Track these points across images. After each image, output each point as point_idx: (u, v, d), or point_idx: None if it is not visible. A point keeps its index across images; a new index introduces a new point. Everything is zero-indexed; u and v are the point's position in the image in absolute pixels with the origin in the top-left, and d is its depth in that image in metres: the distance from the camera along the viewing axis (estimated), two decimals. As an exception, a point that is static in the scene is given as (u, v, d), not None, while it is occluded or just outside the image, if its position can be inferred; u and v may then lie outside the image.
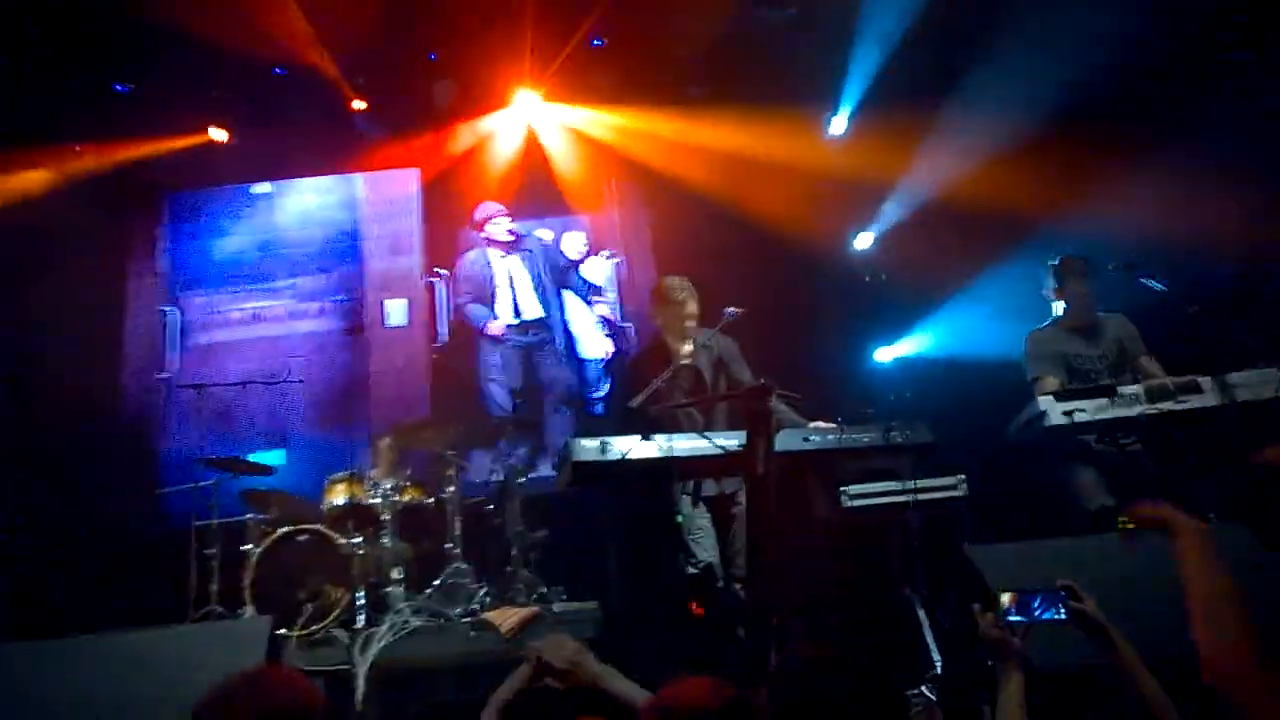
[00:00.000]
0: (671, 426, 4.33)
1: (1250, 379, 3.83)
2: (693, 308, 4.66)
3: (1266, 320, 4.23)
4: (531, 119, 7.29)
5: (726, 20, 6.74)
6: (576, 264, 7.25)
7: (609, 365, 7.03)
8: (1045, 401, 3.96)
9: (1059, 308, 4.60)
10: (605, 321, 7.15)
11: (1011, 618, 2.06)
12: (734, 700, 1.60)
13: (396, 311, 7.10)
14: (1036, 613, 2.05)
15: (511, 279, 6.89)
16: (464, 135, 7.30)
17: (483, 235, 6.96)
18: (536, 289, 6.93)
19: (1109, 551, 3.18)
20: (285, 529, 4.75)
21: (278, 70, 6.78)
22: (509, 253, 6.94)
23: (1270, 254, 4.75)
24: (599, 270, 7.29)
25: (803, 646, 1.99)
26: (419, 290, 7.17)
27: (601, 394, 6.94)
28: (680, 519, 4.35)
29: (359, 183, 7.48)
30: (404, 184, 7.48)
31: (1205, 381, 3.86)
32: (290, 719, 1.68)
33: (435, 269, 7.21)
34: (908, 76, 6.54)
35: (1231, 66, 5.33)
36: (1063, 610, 2.03)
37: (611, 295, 7.21)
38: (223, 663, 2.98)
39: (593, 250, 7.32)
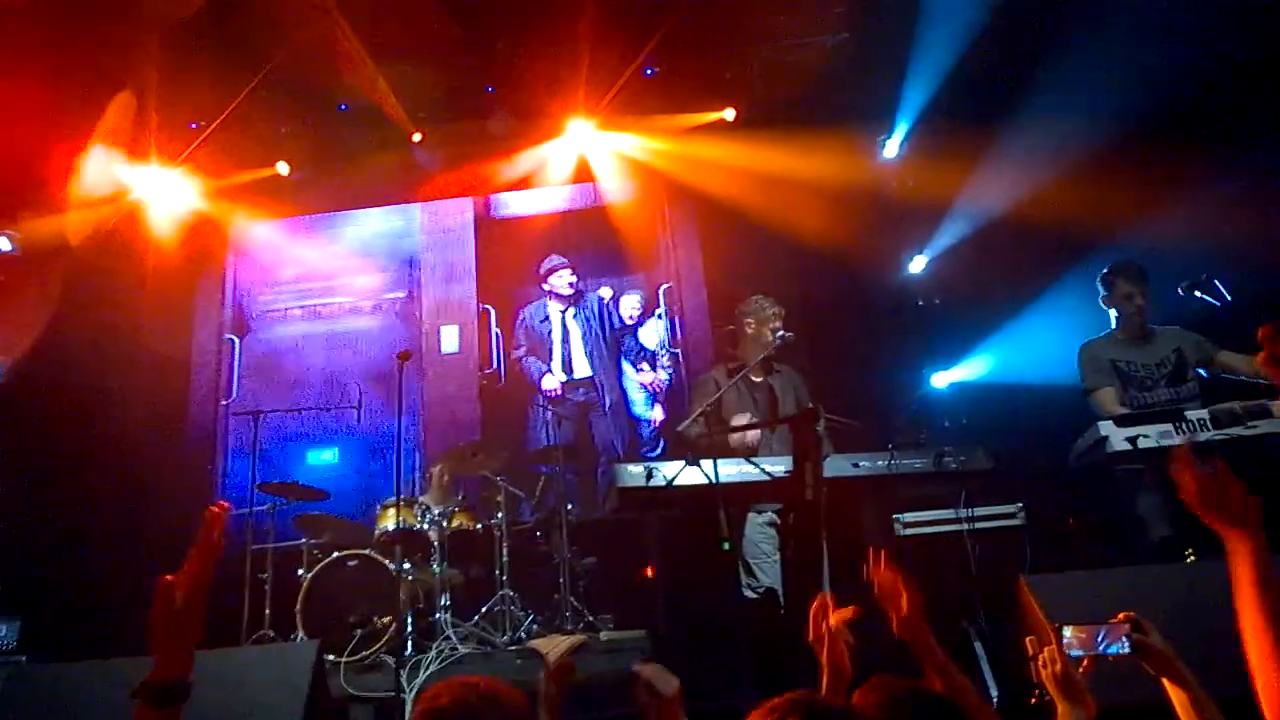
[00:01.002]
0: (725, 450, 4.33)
1: None
2: (770, 315, 4.78)
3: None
4: (584, 147, 7.37)
5: (779, 44, 6.77)
6: (633, 328, 7.14)
7: (663, 427, 6.90)
8: (1107, 427, 3.79)
9: (1113, 316, 4.50)
10: (651, 394, 6.99)
11: (1074, 652, 1.97)
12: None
13: (450, 338, 7.22)
14: (1100, 647, 1.95)
15: (567, 334, 6.86)
16: (519, 164, 7.45)
17: (545, 287, 6.97)
18: (587, 347, 6.86)
19: (1173, 582, 3.01)
20: (336, 554, 4.82)
21: (342, 106, 7.05)
22: (568, 307, 6.93)
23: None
24: (653, 334, 7.19)
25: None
26: (472, 317, 7.29)
27: (656, 455, 6.71)
28: (726, 545, 4.29)
29: (416, 212, 7.67)
30: (459, 213, 7.65)
31: (1275, 405, 3.67)
32: None
33: (483, 304, 7.33)
34: (961, 98, 6.46)
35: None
36: (1127, 644, 1.93)
37: (665, 359, 7.06)
38: (268, 686, 3.03)
39: (648, 313, 7.22)
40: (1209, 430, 3.64)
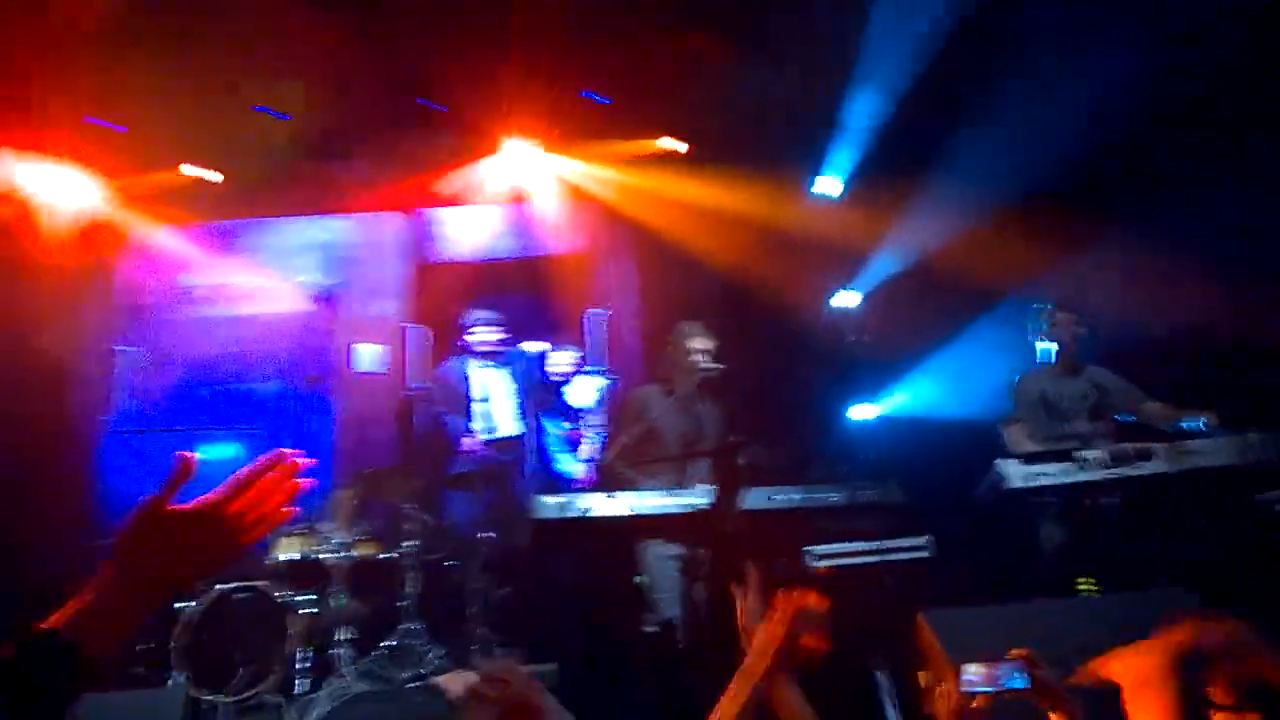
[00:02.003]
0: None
1: (1204, 446, 3.89)
2: (703, 344, 4.81)
3: (1223, 391, 4.24)
4: (521, 168, 7.30)
5: (720, 79, 6.84)
6: (558, 385, 6.57)
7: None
8: (1007, 465, 3.93)
9: (1048, 349, 4.81)
10: (573, 446, 6.41)
11: (973, 688, 1.94)
12: None
13: (368, 357, 7.00)
14: (998, 683, 1.95)
15: (490, 392, 6.28)
16: (452, 181, 7.34)
17: (468, 338, 6.32)
18: (514, 405, 6.29)
19: (1069, 616, 3.08)
20: (222, 586, 4.52)
21: (262, 109, 6.81)
22: (493, 363, 6.30)
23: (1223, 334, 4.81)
24: (586, 392, 6.57)
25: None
26: (394, 336, 7.10)
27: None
28: (639, 580, 4.22)
29: (338, 225, 7.46)
30: (386, 228, 7.48)
31: (1159, 448, 3.90)
32: None
33: (405, 324, 7.06)
34: (890, 147, 6.69)
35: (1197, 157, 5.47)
36: (1023, 680, 1.94)
37: (596, 420, 6.36)
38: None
39: (580, 368, 6.63)
40: (1103, 469, 3.80)
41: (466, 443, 5.97)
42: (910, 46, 6.13)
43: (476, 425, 6.07)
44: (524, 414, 6.31)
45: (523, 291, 7.11)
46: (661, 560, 4.39)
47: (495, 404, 6.21)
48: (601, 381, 6.52)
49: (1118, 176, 5.72)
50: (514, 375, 6.35)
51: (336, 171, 7.11)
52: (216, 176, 6.91)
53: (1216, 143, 5.29)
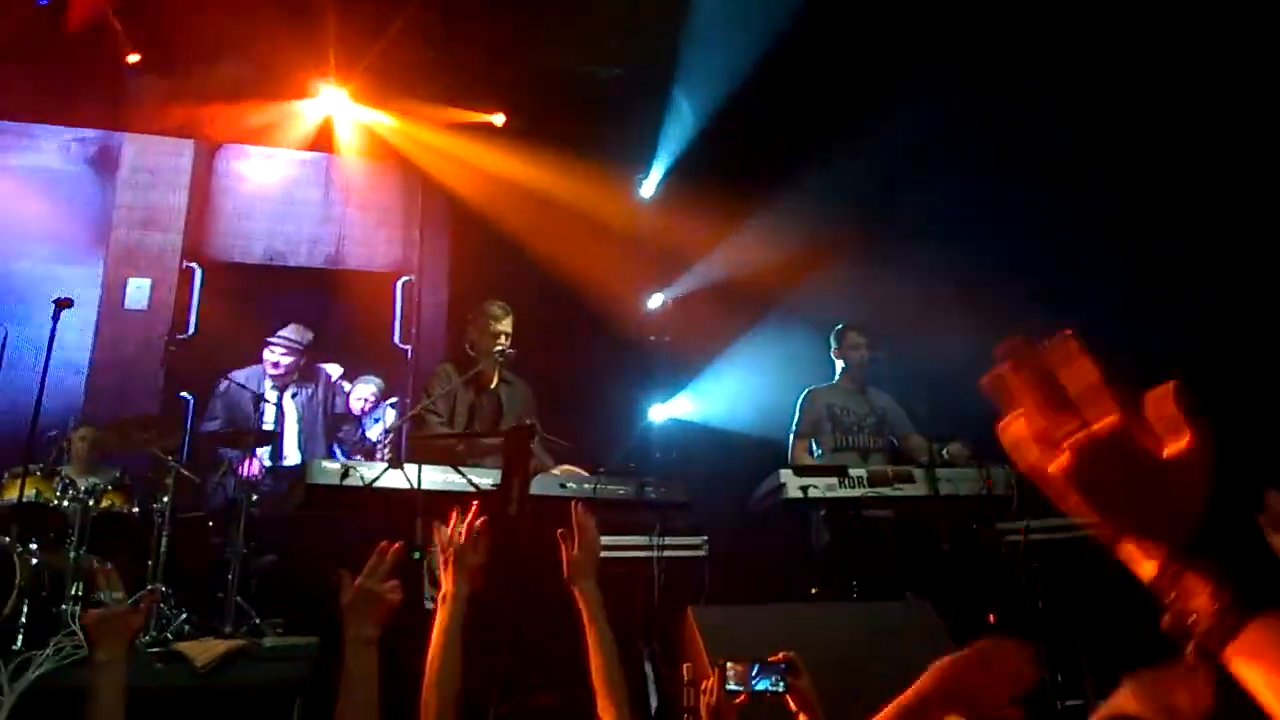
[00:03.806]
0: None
1: (954, 475, 4.33)
2: (506, 325, 4.77)
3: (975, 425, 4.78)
4: (333, 113, 6.89)
5: (557, 60, 6.79)
6: (359, 418, 6.09)
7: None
8: (785, 475, 4.22)
9: (840, 367, 5.19)
10: None
11: (731, 686, 2.04)
12: None
13: (138, 292, 6.32)
14: (755, 683, 2.04)
15: (281, 416, 5.76)
16: (256, 115, 6.77)
17: (262, 356, 5.77)
18: (302, 434, 5.78)
19: (829, 619, 3.36)
20: (-65, 525, 3.95)
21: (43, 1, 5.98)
22: (286, 385, 5.80)
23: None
24: (381, 425, 6.06)
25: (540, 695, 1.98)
26: (171, 273, 6.46)
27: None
28: (416, 555, 4.12)
29: (117, 141, 6.67)
30: (174, 154, 6.77)
31: (918, 473, 4.32)
32: None
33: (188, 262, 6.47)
34: (712, 157, 6.92)
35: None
36: (780, 682, 2.04)
37: (388, 450, 5.65)
38: None
39: (379, 403, 6.13)
40: (865, 487, 4.19)
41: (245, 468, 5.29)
42: (729, 57, 6.38)
43: (260, 450, 5.50)
44: (313, 445, 5.82)
45: (328, 300, 6.65)
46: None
47: (286, 430, 5.74)
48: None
49: (921, 203, 6.17)
50: (307, 400, 5.88)
51: (126, 83, 6.36)
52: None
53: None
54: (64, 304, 4.28)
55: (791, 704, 2.05)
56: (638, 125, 7.13)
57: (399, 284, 7.08)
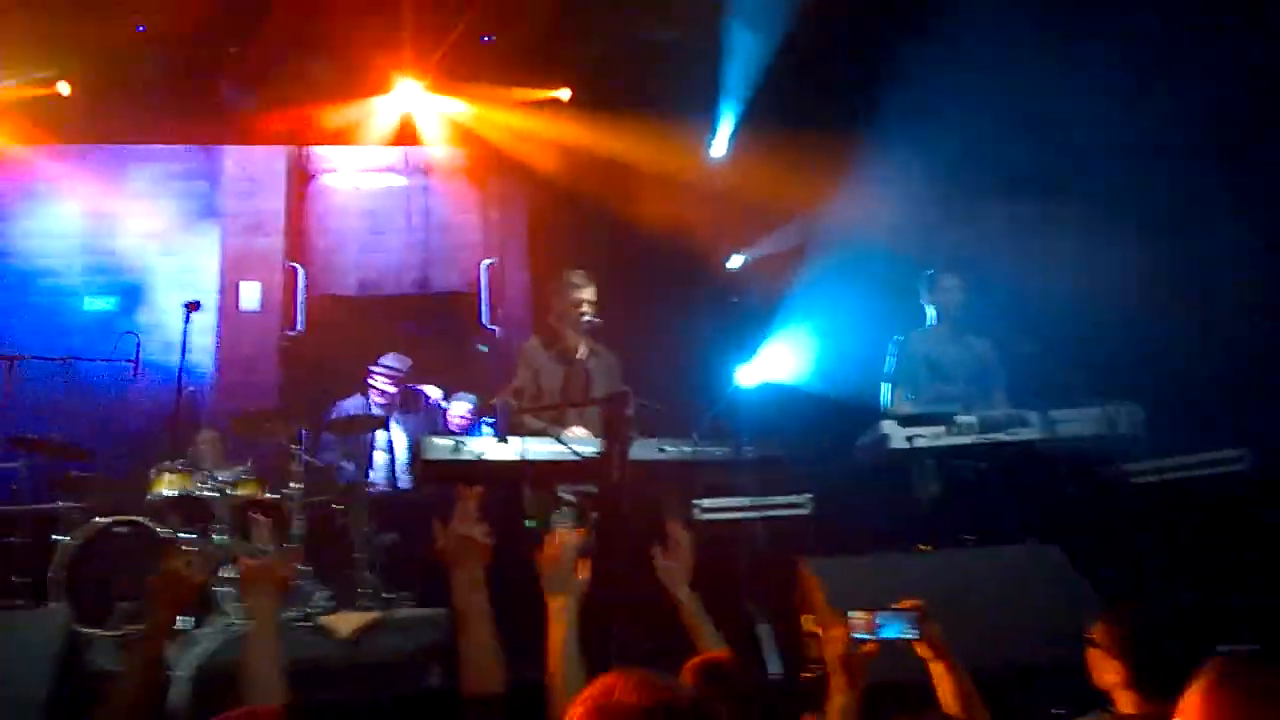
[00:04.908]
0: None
1: (1072, 416, 4.18)
2: (588, 294, 4.74)
3: (1093, 361, 4.62)
4: (412, 107, 7.07)
5: (612, 29, 6.79)
6: (457, 434, 6.15)
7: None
8: (889, 425, 4.17)
9: (931, 314, 4.97)
10: None
11: (859, 634, 2.05)
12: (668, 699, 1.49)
13: (250, 294, 6.70)
14: (884, 631, 2.05)
15: (391, 443, 6.01)
16: (339, 116, 7.03)
17: (369, 384, 6.02)
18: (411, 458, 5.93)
19: (943, 567, 3.34)
20: (101, 519, 4.34)
21: (140, 28, 6.32)
22: (393, 412, 6.04)
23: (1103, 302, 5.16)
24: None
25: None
26: (277, 274, 6.81)
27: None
28: (530, 523, 4.29)
29: (219, 156, 7.04)
30: (270, 161, 7.12)
31: (1032, 416, 4.18)
32: None
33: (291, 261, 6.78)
34: (780, 106, 6.77)
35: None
36: (911, 630, 2.06)
37: None
38: (13, 653, 2.72)
39: (476, 420, 6.30)
40: (976, 433, 4.11)
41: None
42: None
43: (376, 476, 5.85)
44: None
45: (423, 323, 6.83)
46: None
47: (398, 456, 5.97)
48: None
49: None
50: (414, 425, 6.08)
51: (221, 98, 6.69)
52: (66, 88, 6.37)
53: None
54: (193, 307, 4.58)
55: (922, 650, 2.09)
56: (700, 83, 7.05)
57: (482, 266, 7.27)
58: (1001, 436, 4.13)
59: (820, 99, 6.59)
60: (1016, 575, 3.19)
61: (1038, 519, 3.84)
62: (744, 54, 6.71)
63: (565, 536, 2.37)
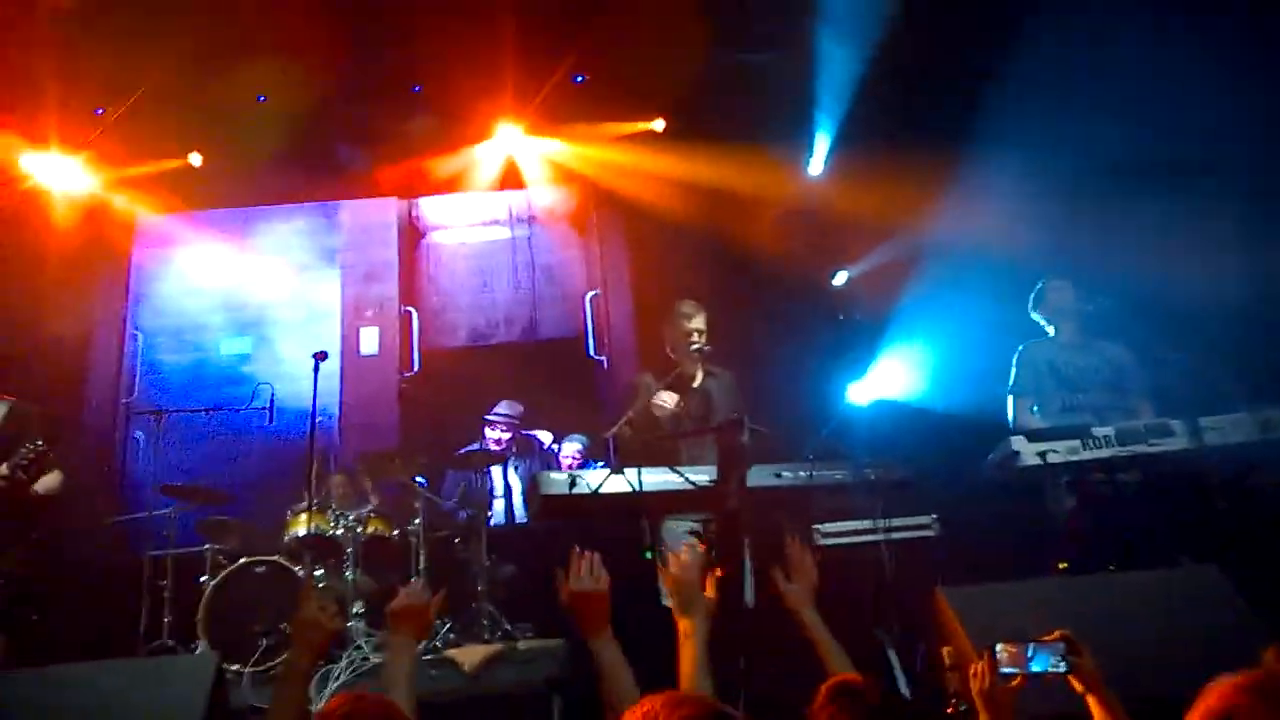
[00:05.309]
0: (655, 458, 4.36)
1: (1221, 423, 3.87)
2: (698, 322, 4.79)
3: (1244, 365, 4.27)
4: (513, 151, 7.31)
5: (702, 56, 6.83)
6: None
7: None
8: (1019, 441, 3.95)
9: (1046, 326, 4.75)
10: None
11: (1005, 669, 1.98)
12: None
13: (369, 339, 7.02)
14: (1032, 665, 1.97)
15: (509, 490, 6.22)
16: (445, 166, 7.32)
17: (484, 434, 6.20)
18: (526, 503, 6.09)
19: (1086, 593, 3.12)
20: (242, 560, 4.61)
21: (260, 98, 6.80)
22: (508, 459, 6.19)
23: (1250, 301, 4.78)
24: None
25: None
26: (393, 318, 7.12)
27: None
28: (648, 554, 4.27)
29: (334, 210, 7.45)
30: (381, 212, 7.48)
31: (1176, 424, 3.89)
32: None
33: (405, 306, 7.07)
34: (874, 120, 6.64)
35: None
36: (1062, 663, 1.96)
37: None
38: (164, 698, 2.86)
39: (587, 461, 6.34)
40: (1114, 446, 3.84)
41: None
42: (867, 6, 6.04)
43: (495, 520, 5.98)
44: None
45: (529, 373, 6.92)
46: (675, 535, 4.45)
47: (515, 501, 6.14)
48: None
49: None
50: (526, 468, 6.23)
51: (335, 158, 7.11)
52: (198, 159, 6.88)
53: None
54: (321, 357, 4.83)
55: (1077, 684, 1.96)
56: (793, 102, 7.00)
57: (587, 298, 7.39)
58: (1143, 448, 3.83)
59: (918, 107, 6.45)
60: (1172, 599, 2.95)
61: (1187, 537, 3.57)
62: (836, 69, 6.65)
63: (689, 557, 2.35)
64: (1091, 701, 1.97)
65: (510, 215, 7.77)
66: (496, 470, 6.16)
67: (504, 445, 6.21)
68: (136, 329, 7.07)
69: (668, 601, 2.36)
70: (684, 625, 2.29)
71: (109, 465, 6.47)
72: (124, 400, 6.80)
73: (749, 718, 2.14)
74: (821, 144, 7.23)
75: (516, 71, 6.58)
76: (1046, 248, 5.42)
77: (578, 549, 2.42)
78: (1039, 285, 4.78)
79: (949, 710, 2.63)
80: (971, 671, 2.01)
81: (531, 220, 7.76)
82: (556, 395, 6.72)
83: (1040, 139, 5.71)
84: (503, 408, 6.29)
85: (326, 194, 7.43)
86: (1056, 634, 1.99)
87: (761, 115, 6.90)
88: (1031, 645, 1.97)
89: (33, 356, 6.24)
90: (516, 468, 6.28)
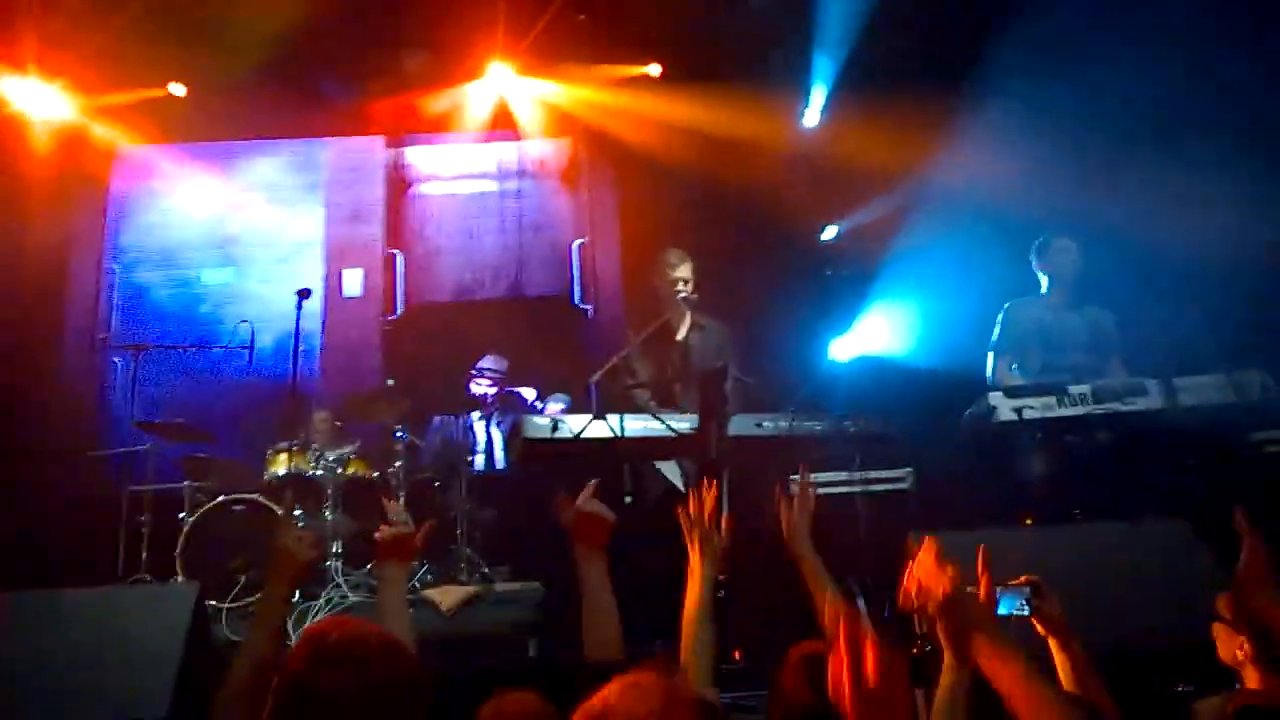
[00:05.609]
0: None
1: (1197, 384, 3.90)
2: (684, 271, 4.75)
3: (1219, 326, 4.29)
4: (504, 91, 7.15)
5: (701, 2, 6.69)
6: None
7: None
8: (996, 397, 3.98)
9: (1045, 282, 4.70)
10: None
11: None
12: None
13: (353, 281, 6.96)
14: (998, 607, 1.93)
15: (490, 442, 6.10)
16: (435, 104, 7.17)
17: (468, 388, 6.08)
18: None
19: (1056, 542, 3.17)
20: (221, 498, 4.62)
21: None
22: (491, 414, 6.11)
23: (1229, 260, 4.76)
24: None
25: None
26: (377, 260, 7.04)
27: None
28: (628, 499, 4.30)
29: (320, 147, 7.30)
30: (368, 151, 7.34)
31: (1151, 384, 3.93)
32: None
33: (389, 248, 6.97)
34: (872, 72, 6.53)
35: None
36: (1026, 606, 1.98)
37: None
38: (145, 627, 2.89)
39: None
40: (1089, 404, 3.87)
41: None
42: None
43: (476, 466, 5.90)
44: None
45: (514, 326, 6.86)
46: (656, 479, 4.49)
47: (498, 456, 6.07)
48: None
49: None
50: (507, 426, 6.09)
51: (320, 93, 6.93)
52: (180, 89, 6.69)
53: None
54: (304, 294, 4.79)
55: (1040, 627, 1.99)
56: (791, 50, 6.88)
57: (574, 246, 7.32)
58: (1117, 406, 3.87)
59: (919, 55, 6.33)
60: (1139, 550, 3.01)
61: (1157, 493, 3.62)
62: (837, 14, 6.49)
63: (709, 493, 2.39)
64: (1054, 645, 2.00)
65: (499, 168, 7.65)
66: (480, 425, 6.11)
67: (488, 401, 6.18)
68: (115, 259, 6.96)
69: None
70: (694, 560, 2.33)
71: (88, 397, 6.43)
72: (102, 335, 6.73)
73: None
74: (819, 92, 7.12)
75: (510, 9, 6.41)
76: (1042, 202, 5.36)
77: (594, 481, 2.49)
78: (1043, 238, 4.70)
79: (914, 650, 2.67)
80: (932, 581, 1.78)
81: (521, 174, 7.64)
82: (542, 352, 6.70)
83: (1044, 92, 5.60)
84: (488, 361, 6.23)
85: (314, 129, 7.26)
86: (1023, 578, 2.01)
87: (760, 62, 6.79)
88: (999, 588, 1.98)
89: (9, 285, 6.18)
90: (499, 423, 6.24)
